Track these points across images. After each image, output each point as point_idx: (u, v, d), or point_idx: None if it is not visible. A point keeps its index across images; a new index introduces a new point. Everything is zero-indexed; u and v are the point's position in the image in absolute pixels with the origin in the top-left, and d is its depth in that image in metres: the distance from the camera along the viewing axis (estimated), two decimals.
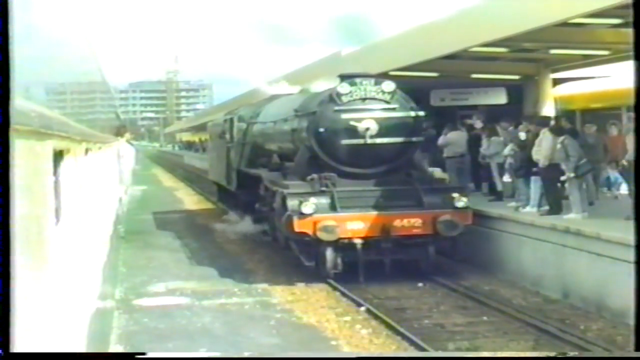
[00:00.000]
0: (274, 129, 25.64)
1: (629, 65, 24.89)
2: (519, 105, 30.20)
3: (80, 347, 11.31)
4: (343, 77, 21.36)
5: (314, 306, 17.02)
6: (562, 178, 19.70)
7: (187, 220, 34.85)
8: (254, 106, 31.58)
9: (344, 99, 20.76)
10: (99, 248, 18.99)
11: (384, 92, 20.95)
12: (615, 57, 25.86)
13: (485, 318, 15.95)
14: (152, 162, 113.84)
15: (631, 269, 14.14)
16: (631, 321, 14.25)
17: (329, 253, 18.90)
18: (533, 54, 27.47)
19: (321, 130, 20.73)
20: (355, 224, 19.21)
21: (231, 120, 31.71)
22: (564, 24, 20.39)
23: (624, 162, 18.83)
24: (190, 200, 47.05)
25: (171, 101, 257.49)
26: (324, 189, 19.78)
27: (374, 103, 20.89)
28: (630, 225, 16.39)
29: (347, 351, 13.40)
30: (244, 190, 28.54)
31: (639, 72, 9.15)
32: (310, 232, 18.84)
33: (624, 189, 20.36)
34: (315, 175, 20.19)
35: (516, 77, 30.41)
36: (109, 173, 30.16)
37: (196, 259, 23.60)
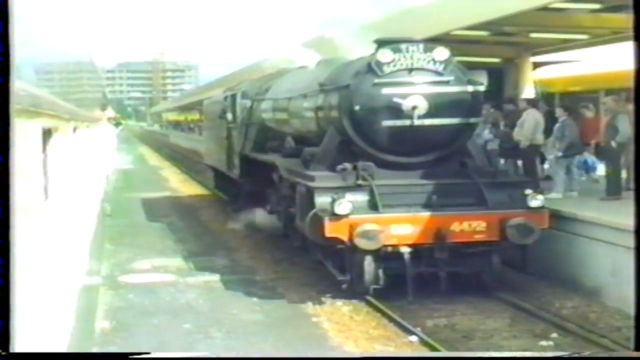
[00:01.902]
0: (289, 107, 20.49)
1: (607, 49, 25.14)
2: (499, 88, 30.13)
3: (69, 321, 11.37)
4: (381, 43, 16.56)
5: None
6: (550, 157, 19.88)
7: (172, 200, 34.76)
8: (260, 81, 26.18)
9: (386, 69, 16.00)
10: (86, 225, 19.05)
11: (435, 61, 16.12)
12: (594, 41, 25.79)
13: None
14: (139, 141, 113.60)
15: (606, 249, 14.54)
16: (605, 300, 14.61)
17: (368, 264, 14.49)
18: (513, 37, 27.19)
19: (356, 108, 16.04)
20: (401, 228, 14.76)
21: (233, 97, 26.14)
22: (544, 9, 20.29)
23: (601, 144, 18.97)
24: (175, 178, 47.00)
25: (157, 81, 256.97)
26: (361, 182, 15.32)
27: (423, 75, 16.12)
28: (605, 205, 16.84)
29: (347, 351, 12.06)
30: (249, 178, 23.76)
31: (639, 55, 8.53)
32: (345, 237, 14.44)
33: (601, 171, 20.41)
34: (348, 165, 15.66)
35: (497, 60, 30.44)
36: (96, 151, 30.20)
37: (180, 236, 23.61)
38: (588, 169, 21.70)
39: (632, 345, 9.27)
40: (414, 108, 15.78)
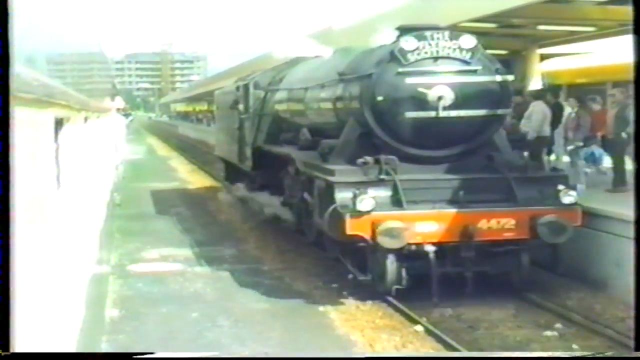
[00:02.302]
0: (304, 98, 19.29)
1: (614, 41, 25.09)
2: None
3: (80, 310, 11.44)
4: (404, 30, 15.54)
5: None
6: (569, 147, 19.92)
7: (180, 190, 34.79)
8: (273, 71, 24.91)
9: (410, 57, 14.86)
10: (97, 214, 19.13)
11: (462, 49, 15.01)
12: (601, 33, 25.76)
13: None
14: (148, 132, 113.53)
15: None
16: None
17: (391, 263, 13.45)
18: (520, 30, 27.15)
19: (379, 98, 14.88)
20: (426, 225, 13.71)
21: (246, 87, 24.69)
22: (552, 1, 20.30)
23: (608, 136, 18.99)
24: (184, 169, 46.96)
25: (166, 72, 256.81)
26: (384, 177, 14.27)
27: (448, 63, 14.99)
28: (611, 197, 16.83)
29: (346, 351, 11.66)
30: (262, 171, 22.83)
31: (639, 48, 8.54)
32: (367, 235, 13.45)
33: (607, 162, 20.38)
34: (369, 159, 14.56)
35: (504, 52, 30.44)
36: (106, 141, 30.25)
37: (188, 226, 23.67)
38: (595, 160, 21.69)
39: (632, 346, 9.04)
40: (439, 98, 14.67)
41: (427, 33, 14.99)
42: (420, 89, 14.68)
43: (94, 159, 20.56)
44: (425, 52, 14.92)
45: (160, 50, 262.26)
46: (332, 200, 14.00)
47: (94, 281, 15.24)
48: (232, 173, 29.41)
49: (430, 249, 13.49)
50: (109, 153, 32.66)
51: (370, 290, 14.31)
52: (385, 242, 13.30)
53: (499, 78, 15.24)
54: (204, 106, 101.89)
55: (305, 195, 16.94)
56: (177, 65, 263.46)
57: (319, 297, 14.63)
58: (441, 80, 14.80)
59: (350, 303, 14.18)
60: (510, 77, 15.76)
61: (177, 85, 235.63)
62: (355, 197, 13.52)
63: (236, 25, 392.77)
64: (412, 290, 13.60)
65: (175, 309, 14.08)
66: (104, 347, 11.81)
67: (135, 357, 8.54)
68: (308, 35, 28.46)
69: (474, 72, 15.05)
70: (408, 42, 14.92)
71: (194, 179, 39.88)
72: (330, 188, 14.28)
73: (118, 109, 49.96)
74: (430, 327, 12.56)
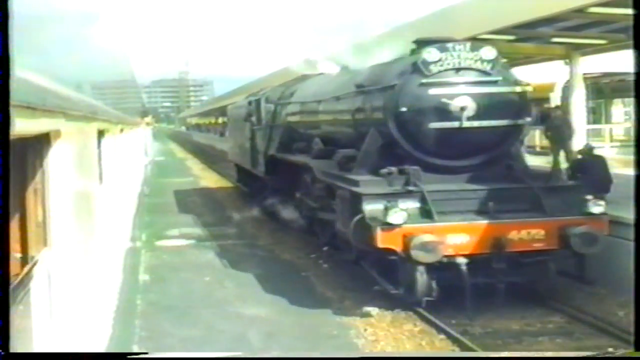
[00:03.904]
0: (318, 110, 16.66)
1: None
2: None
3: (118, 277, 11.47)
4: (422, 43, 13.09)
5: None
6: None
7: (194, 183, 34.66)
8: (282, 87, 22.31)
9: (433, 68, 12.31)
10: (131, 203, 19.08)
11: (482, 61, 12.45)
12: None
13: None
14: (169, 140, 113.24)
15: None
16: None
17: (421, 275, 10.77)
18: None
19: (403, 109, 12.29)
20: (458, 237, 11.06)
21: (257, 101, 22.22)
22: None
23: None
24: (197, 167, 46.81)
25: (183, 94, 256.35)
26: (412, 188, 11.62)
27: (470, 74, 12.45)
28: None
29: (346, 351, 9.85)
30: (275, 176, 19.88)
31: (639, 62, 7.30)
32: (398, 248, 10.81)
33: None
34: (393, 169, 12.07)
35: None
36: (137, 147, 30.18)
37: (200, 211, 23.63)
38: None
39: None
40: (462, 109, 12.14)
41: (449, 45, 12.46)
42: (444, 100, 12.16)
43: (128, 161, 20.49)
44: (448, 64, 12.35)
45: (178, 76, 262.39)
46: (356, 210, 11.38)
47: (129, 254, 15.23)
48: (244, 176, 26.91)
49: (462, 261, 10.82)
50: (140, 155, 32.59)
51: (341, 258, 14.23)
52: (419, 256, 10.57)
53: (518, 89, 12.70)
54: (212, 119, 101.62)
55: (321, 201, 14.54)
56: (191, 88, 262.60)
57: (301, 265, 14.61)
58: (463, 91, 12.28)
59: (326, 269, 14.14)
60: (529, 88, 13.13)
61: (192, 103, 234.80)
62: (386, 209, 10.85)
63: (237, 56, 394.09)
64: (442, 301, 10.83)
65: (192, 274, 14.05)
66: (139, 304, 11.78)
67: (129, 357, 7.62)
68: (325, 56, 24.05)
69: (495, 82, 12.51)
70: (431, 54, 12.33)
71: (204, 175, 39.72)
72: (356, 199, 11.56)
73: (147, 123, 49.84)
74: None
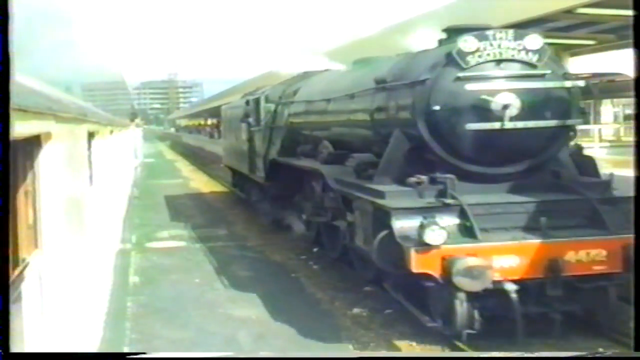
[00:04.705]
0: (327, 109, 14.74)
1: None
2: None
3: (109, 279, 11.45)
4: (454, 31, 11.12)
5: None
6: None
7: (183, 185, 34.62)
8: (283, 85, 19.98)
9: (470, 60, 10.27)
10: (121, 204, 19.03)
11: (527, 51, 10.34)
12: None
13: None
14: (159, 141, 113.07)
15: None
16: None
17: (461, 303, 8.90)
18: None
19: (435, 108, 10.28)
20: (506, 260, 9.11)
21: (256, 101, 20.28)
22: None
23: None
24: (186, 169, 46.76)
25: (172, 95, 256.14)
26: (449, 201, 9.64)
27: (513, 67, 10.40)
28: None
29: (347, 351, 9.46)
30: (276, 183, 17.97)
31: (639, 61, 6.76)
32: (436, 273, 8.91)
33: None
34: (423, 178, 10.12)
35: None
36: (127, 149, 30.13)
37: (190, 213, 23.58)
38: None
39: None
40: (504, 107, 10.14)
41: (489, 32, 10.40)
42: (484, 97, 10.17)
43: (118, 162, 20.45)
44: (487, 54, 10.31)
45: (168, 78, 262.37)
46: (382, 226, 9.66)
47: (119, 255, 15.21)
48: (240, 181, 25.34)
49: (511, 287, 8.98)
50: (129, 157, 32.54)
51: (329, 258, 14.24)
52: (464, 284, 8.73)
53: (568, 84, 10.63)
54: (201, 121, 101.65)
55: (333, 212, 13.05)
56: (180, 90, 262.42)
57: (292, 266, 14.58)
58: (506, 86, 10.29)
59: (315, 270, 14.13)
60: (580, 83, 10.99)
61: (181, 105, 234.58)
62: (422, 227, 8.92)
63: (226, 57, 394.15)
64: (486, 334, 9.05)
65: (182, 276, 14.00)
66: (129, 306, 11.75)
67: (128, 357, 7.37)
68: (324, 52, 22.34)
69: (542, 76, 10.46)
70: (467, 43, 10.29)
71: (194, 176, 39.68)
72: (382, 213, 9.76)
73: (137, 124, 49.79)
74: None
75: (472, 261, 8.74)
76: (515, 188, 10.44)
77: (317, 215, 14.31)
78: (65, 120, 6.63)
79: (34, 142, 5.69)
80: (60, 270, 6.08)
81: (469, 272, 8.70)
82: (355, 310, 11.11)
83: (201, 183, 34.94)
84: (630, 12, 6.50)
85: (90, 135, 10.50)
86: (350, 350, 9.45)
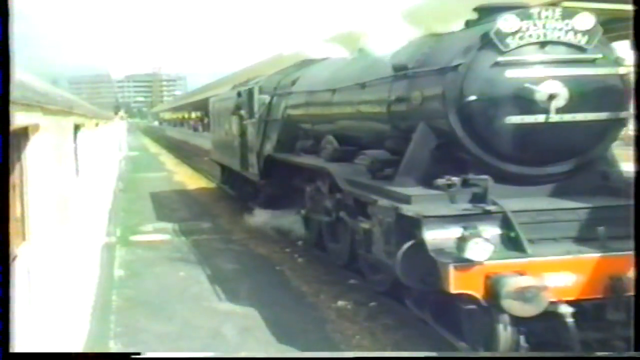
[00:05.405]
0: (332, 101, 13.11)
1: None
2: None
3: (94, 271, 11.41)
4: (487, 10, 9.68)
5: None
6: None
7: (168, 179, 34.54)
8: (279, 74, 18.36)
9: (511, 42, 8.69)
10: (106, 197, 18.97)
11: (576, 32, 8.78)
12: None
13: None
14: (142, 134, 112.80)
15: None
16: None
17: (504, 328, 7.41)
18: None
19: (470, 98, 8.75)
20: (561, 278, 7.53)
21: (249, 92, 18.64)
22: None
23: None
24: (170, 162, 46.62)
25: (156, 89, 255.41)
26: (491, 207, 8.07)
27: (560, 50, 8.82)
28: None
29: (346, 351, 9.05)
30: (272, 181, 16.83)
31: (639, 60, 6.42)
32: (478, 294, 7.38)
33: None
34: (454, 179, 8.52)
35: None
36: (112, 142, 30.04)
37: (175, 206, 23.53)
38: None
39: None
40: (551, 98, 8.59)
41: (533, 10, 8.83)
42: (527, 85, 8.65)
43: (103, 155, 20.39)
44: (530, 36, 8.75)
45: (152, 71, 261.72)
46: (407, 235, 8.20)
47: (105, 249, 15.17)
48: (229, 177, 23.83)
49: (566, 310, 7.37)
50: (114, 150, 32.46)
51: (312, 250, 14.21)
52: (515, 308, 7.18)
53: (622, 70, 8.96)
54: (185, 114, 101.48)
55: (334, 215, 12.11)
56: (164, 83, 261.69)
57: (276, 259, 14.57)
58: (551, 73, 8.73)
59: (300, 263, 14.13)
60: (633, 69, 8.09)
61: (164, 98, 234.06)
62: (464, 239, 7.36)
63: (210, 51, 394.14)
64: None
65: (167, 269, 13.96)
66: (114, 299, 11.71)
67: (133, 357, 7.17)
68: (325, 39, 20.27)
69: (592, 62, 8.90)
70: (508, 22, 8.73)
71: (178, 170, 39.56)
72: (408, 220, 8.21)
73: (121, 117, 49.69)
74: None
75: (524, 281, 7.23)
76: (559, 191, 9.02)
77: (319, 216, 13.25)
78: (52, 112, 6.60)
79: (21, 135, 5.66)
80: (48, 262, 6.06)
81: (521, 295, 7.16)
82: (340, 303, 11.11)
83: (185, 176, 34.86)
84: (619, 7, 6.37)
85: (77, 127, 10.46)
86: (350, 351, 9.10)
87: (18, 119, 4.99)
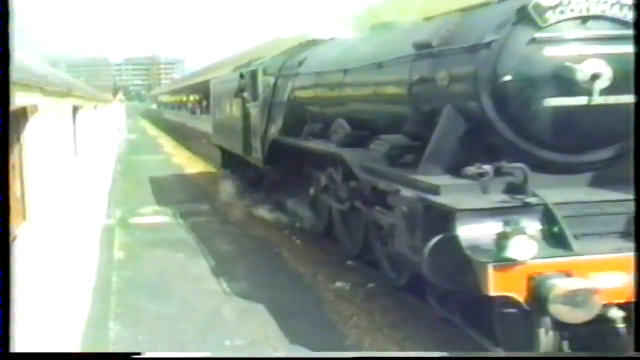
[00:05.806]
0: (344, 82, 12.07)
1: None
2: None
3: (96, 252, 11.41)
4: None
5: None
6: None
7: (166, 161, 34.53)
8: (284, 55, 17.20)
9: (550, 17, 7.68)
10: (105, 180, 18.97)
11: (622, 6, 7.71)
12: None
13: None
14: (141, 117, 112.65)
15: None
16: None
17: (546, 332, 6.58)
18: None
19: (505, 78, 7.75)
20: (610, 278, 6.55)
21: (253, 73, 17.53)
22: None
23: None
24: (168, 145, 46.61)
25: (154, 72, 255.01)
26: (531, 199, 7.14)
27: (603, 25, 7.78)
28: None
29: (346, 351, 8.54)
30: (278, 166, 16.03)
31: (639, 57, 6.08)
32: (521, 297, 6.54)
33: None
34: (486, 167, 7.51)
35: None
36: (110, 124, 30.01)
37: (173, 188, 23.53)
38: None
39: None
40: (593, 78, 7.57)
41: None
42: (567, 64, 7.63)
43: (102, 136, 20.37)
44: (571, 10, 7.74)
45: (150, 54, 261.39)
46: (434, 229, 7.25)
47: (104, 230, 15.18)
48: (230, 161, 23.15)
49: (617, 314, 6.57)
50: (113, 132, 32.44)
51: (309, 230, 14.25)
52: (565, 314, 6.41)
53: None
54: (183, 97, 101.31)
55: (346, 203, 11.19)
56: (162, 66, 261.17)
57: (274, 240, 14.59)
58: (594, 51, 7.70)
59: (298, 244, 14.15)
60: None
61: (163, 81, 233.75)
62: (506, 236, 6.58)
63: (208, 34, 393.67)
64: None
65: (166, 251, 13.99)
66: (114, 280, 11.73)
67: (133, 357, 6.96)
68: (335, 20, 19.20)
69: (638, 38, 7.04)
70: None
71: (176, 152, 39.56)
72: (438, 214, 7.33)
73: (120, 100, 49.66)
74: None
75: (574, 283, 6.45)
76: (599, 180, 8.07)
77: (331, 205, 12.49)
78: (51, 93, 6.59)
79: (20, 115, 5.66)
80: (49, 241, 6.07)
81: (571, 299, 6.37)
82: (338, 284, 11.12)
83: (183, 159, 34.85)
84: None
85: (75, 109, 10.47)
86: (350, 351, 8.68)
87: (17, 99, 4.99)
